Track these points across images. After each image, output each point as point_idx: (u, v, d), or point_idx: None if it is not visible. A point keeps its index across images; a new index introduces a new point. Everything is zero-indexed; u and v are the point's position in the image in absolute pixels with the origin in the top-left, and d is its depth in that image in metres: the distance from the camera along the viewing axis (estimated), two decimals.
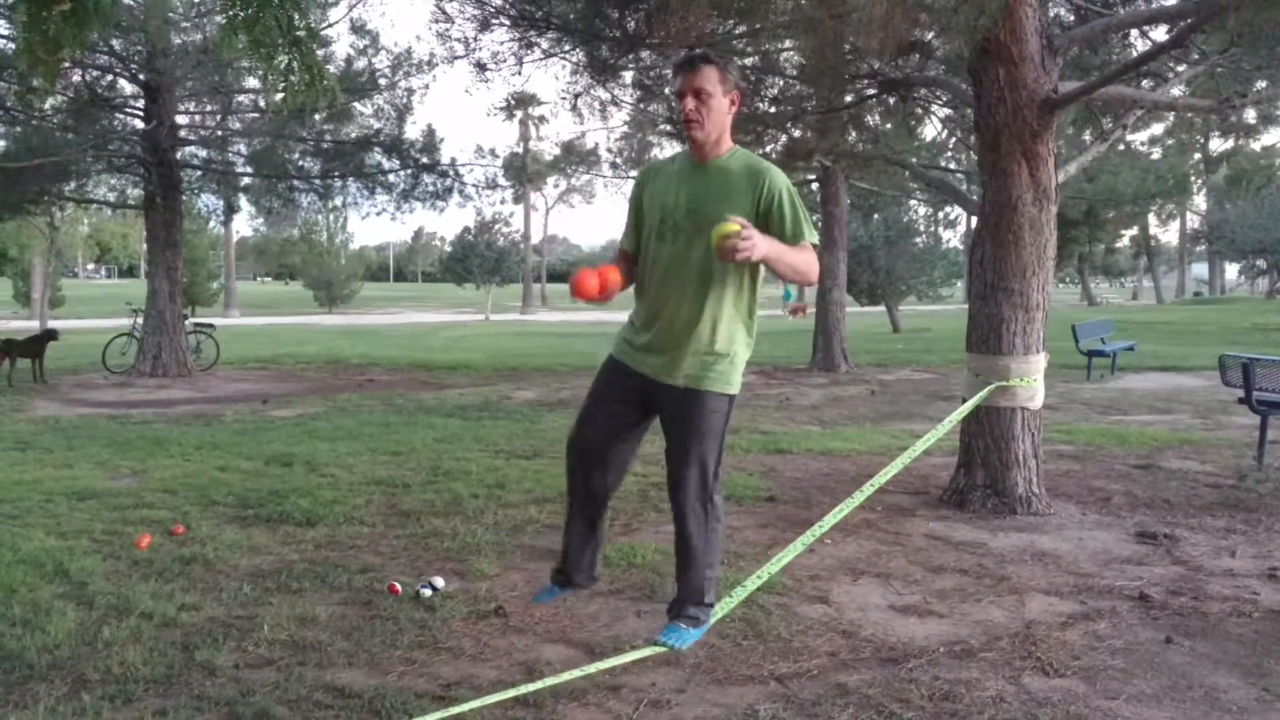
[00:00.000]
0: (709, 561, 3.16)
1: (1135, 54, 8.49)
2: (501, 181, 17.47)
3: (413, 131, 17.04)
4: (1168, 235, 64.85)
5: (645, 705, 3.38)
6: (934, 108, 11.53)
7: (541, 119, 55.51)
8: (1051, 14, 7.84)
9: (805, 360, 16.72)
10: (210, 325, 17.30)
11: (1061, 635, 4.02)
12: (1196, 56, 7.85)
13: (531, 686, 3.12)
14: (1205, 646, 3.91)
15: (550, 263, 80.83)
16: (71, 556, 4.97)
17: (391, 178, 16.63)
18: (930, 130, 14.85)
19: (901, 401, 11.99)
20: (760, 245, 2.74)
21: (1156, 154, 20.64)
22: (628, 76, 11.37)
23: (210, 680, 3.53)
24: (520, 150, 44.51)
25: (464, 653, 3.84)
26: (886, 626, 4.15)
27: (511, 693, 3.02)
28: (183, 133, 15.91)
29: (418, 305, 58.70)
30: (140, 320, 15.88)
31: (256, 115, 16.22)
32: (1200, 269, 68.21)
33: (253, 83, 15.23)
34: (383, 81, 15.60)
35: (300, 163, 16.77)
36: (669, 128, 13.82)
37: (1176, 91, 7.94)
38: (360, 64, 15.44)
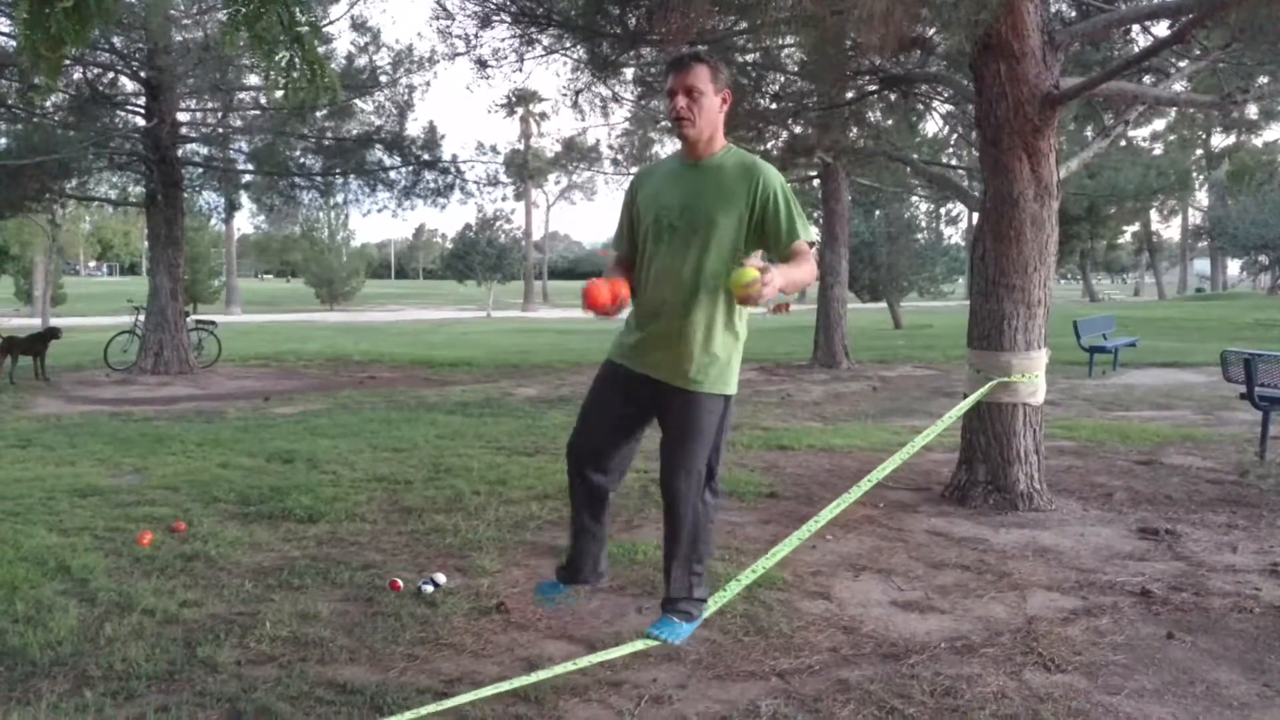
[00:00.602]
0: (700, 556, 3.17)
1: (1137, 49, 8.50)
2: (503, 178, 17.50)
3: (414, 128, 17.13)
4: (1169, 231, 64.85)
5: (647, 701, 3.38)
6: (935, 104, 11.52)
7: (543, 116, 55.48)
8: (1053, 9, 7.83)
9: (806, 356, 16.71)
10: (212, 322, 17.32)
11: (1063, 631, 4.02)
12: (1198, 52, 7.84)
13: (524, 680, 3.12)
14: (1207, 642, 3.91)
15: (551, 260, 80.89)
16: (73, 553, 4.98)
17: (393, 175, 16.64)
18: (932, 126, 14.83)
19: (903, 398, 11.98)
20: (777, 281, 2.75)
21: (1158, 150, 20.57)
22: (629, 73, 11.35)
23: (212, 676, 3.54)
24: (521, 147, 44.52)
25: (465, 649, 3.85)
26: (888, 622, 4.15)
27: (507, 685, 3.02)
28: (184, 130, 15.92)
29: (419, 302, 58.72)
30: (142, 318, 15.89)
31: (258, 112, 16.23)
32: (1202, 265, 68.12)
33: (254, 80, 15.24)
34: (384, 78, 15.60)
35: (302, 160, 16.77)
36: (669, 123, 13.80)
37: (1178, 87, 7.92)
38: (361, 61, 15.45)
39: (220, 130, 16.50)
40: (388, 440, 8.60)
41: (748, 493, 6.51)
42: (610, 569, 3.59)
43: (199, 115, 16.81)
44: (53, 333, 14.94)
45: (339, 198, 18.17)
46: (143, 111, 15.36)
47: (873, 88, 9.92)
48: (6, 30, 12.80)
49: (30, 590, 4.44)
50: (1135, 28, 8.72)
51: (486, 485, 6.71)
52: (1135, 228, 51.54)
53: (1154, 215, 49.07)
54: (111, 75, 15.30)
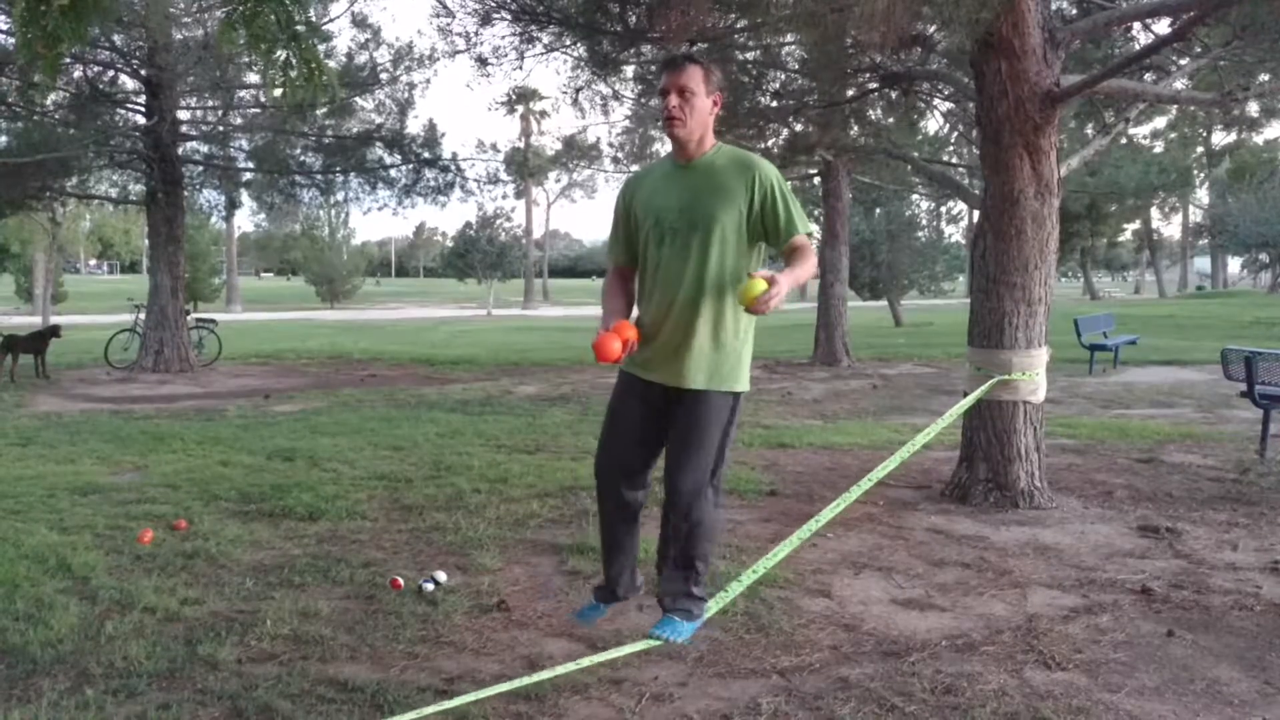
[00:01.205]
0: (701, 555, 3.16)
1: (1138, 47, 8.49)
2: (503, 176, 17.46)
3: (414, 126, 17.16)
4: (1170, 229, 64.90)
5: (647, 699, 3.38)
6: (936, 101, 11.52)
7: (543, 114, 55.44)
8: (1054, 7, 7.80)
9: (807, 355, 16.72)
10: (212, 320, 17.32)
11: (1063, 629, 4.02)
12: (1199, 50, 7.83)
13: (528, 680, 3.12)
14: (1207, 640, 3.91)
15: (552, 258, 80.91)
16: (74, 551, 4.98)
17: (393, 173, 16.63)
18: (932, 124, 14.84)
19: (903, 396, 11.98)
20: (784, 287, 2.78)
21: (1159, 147, 20.54)
22: (629, 71, 11.36)
23: (213, 674, 3.54)
24: (522, 145, 44.44)
25: (466, 647, 3.85)
26: (888, 620, 4.15)
27: (509, 685, 3.02)
28: (184, 128, 15.91)
29: (420, 301, 58.73)
30: (142, 316, 15.89)
31: (258, 110, 16.22)
32: (1203, 263, 68.10)
33: (254, 78, 15.24)
34: (384, 76, 15.60)
35: (302, 158, 16.77)
36: (660, 122, 13.79)
37: (1179, 85, 7.92)
38: (362, 59, 15.45)
39: (220, 128, 16.49)
40: (388, 438, 8.60)
41: (748, 491, 6.51)
42: (642, 578, 3.58)
43: (199, 113, 16.81)
44: (54, 331, 14.93)
45: (339, 196, 18.19)
46: (143, 109, 15.36)
47: (873, 85, 9.91)
48: (6, 28, 12.79)
49: (31, 588, 4.44)
50: (1136, 25, 8.71)
51: (487, 483, 6.71)
52: (1136, 225, 51.53)
53: (1155, 213, 49.06)
54: (112, 73, 15.30)
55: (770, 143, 11.75)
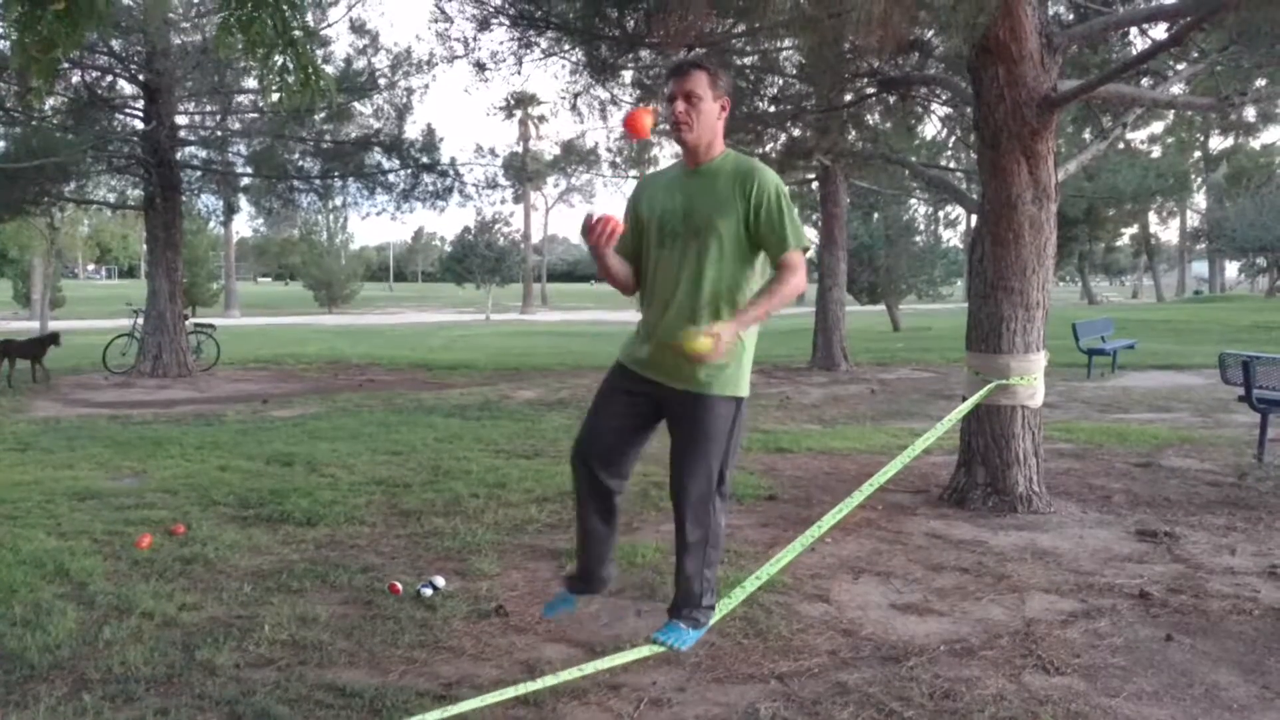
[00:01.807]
0: (710, 563, 3.16)
1: (1135, 52, 8.50)
2: (501, 181, 17.45)
3: (412, 131, 17.09)
4: (1168, 233, 65.05)
5: (646, 704, 3.38)
6: (934, 106, 11.53)
7: (541, 118, 55.53)
8: (1051, 12, 7.85)
9: (805, 359, 16.73)
10: (210, 325, 17.30)
11: (1062, 633, 4.03)
12: (1196, 55, 7.85)
13: (530, 686, 3.11)
14: (1205, 644, 3.91)
15: (550, 263, 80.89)
16: (72, 557, 4.97)
17: (391, 177, 16.62)
18: (930, 129, 14.85)
19: (902, 400, 11.99)
20: (728, 336, 2.82)
21: (1156, 152, 20.62)
22: (627, 76, 11.36)
23: (211, 680, 3.53)
24: (520, 150, 44.48)
25: (465, 652, 3.84)
26: (887, 625, 4.15)
27: (511, 692, 3.01)
28: (182, 133, 15.92)
29: (418, 305, 58.72)
30: (140, 321, 15.89)
31: (256, 115, 16.23)
32: (1200, 267, 68.19)
33: (252, 83, 15.23)
34: (382, 81, 15.60)
35: (300, 163, 16.77)
36: (668, 127, 13.83)
37: (1176, 90, 7.94)
38: (360, 64, 15.45)
39: (219, 133, 16.50)
40: (386, 443, 8.59)
41: (747, 495, 6.51)
42: (617, 571, 3.59)
43: (197, 118, 16.82)
44: (53, 338, 14.89)
45: (337, 200, 18.21)
46: (141, 115, 15.36)
47: (871, 90, 9.93)
48: (2, 32, 12.79)
49: (29, 593, 4.43)
50: (1133, 30, 8.72)
51: (485, 488, 6.71)
52: (1133, 230, 51.54)
53: (1152, 217, 49.13)
54: (110, 78, 15.30)
55: (768, 147, 11.76)
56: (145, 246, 16.89)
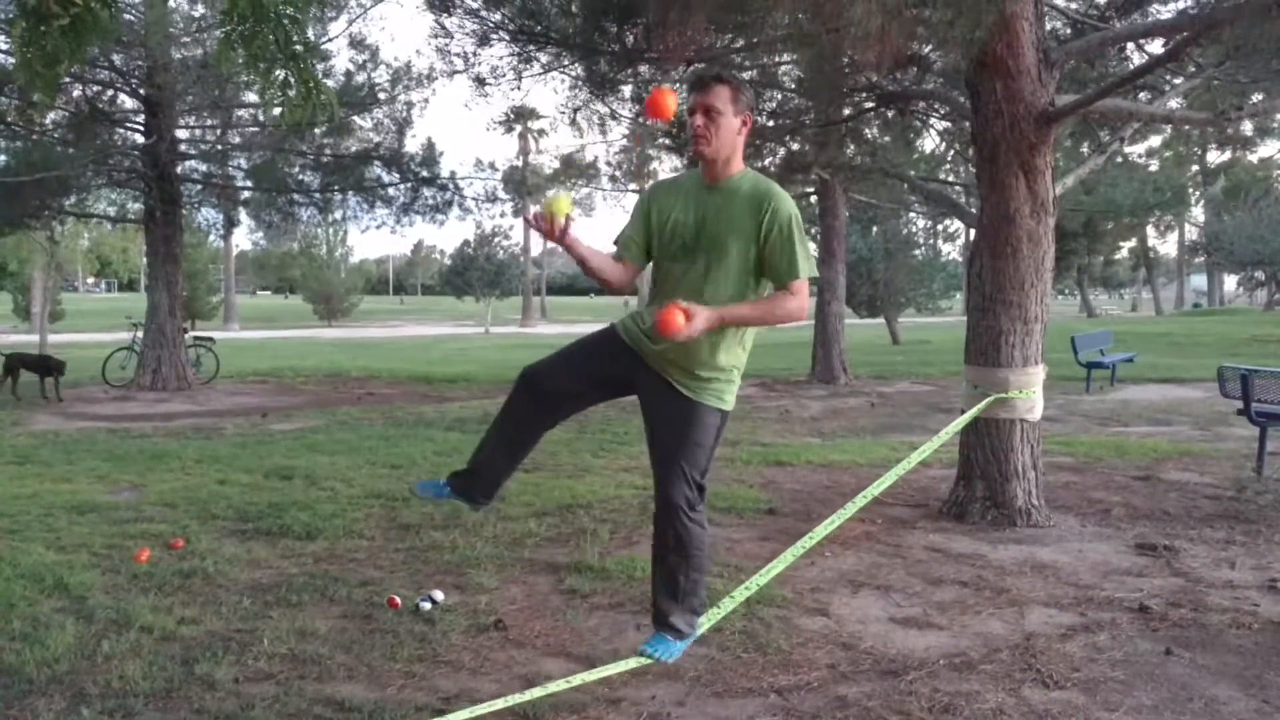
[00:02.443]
0: (696, 571, 3.17)
1: (1132, 67, 8.54)
2: (501, 194, 17.52)
3: (412, 145, 17.17)
4: (1166, 247, 64.99)
5: (645, 718, 3.37)
6: (932, 120, 11.57)
7: (541, 132, 55.62)
8: (1048, 28, 7.87)
9: (805, 372, 16.73)
10: (210, 339, 17.33)
11: (1061, 647, 4.02)
12: (1193, 70, 7.88)
13: (524, 697, 3.11)
14: (1205, 658, 3.91)
15: (550, 276, 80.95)
16: (71, 570, 4.97)
17: (391, 191, 16.68)
18: (928, 143, 14.91)
19: (901, 413, 11.99)
20: (700, 323, 2.83)
21: (1154, 166, 20.65)
22: (626, 90, 11.41)
23: (210, 694, 3.53)
24: (520, 163, 44.59)
25: (463, 666, 3.84)
26: (886, 638, 4.14)
27: (505, 703, 3.01)
28: (183, 147, 15.96)
29: (418, 318, 58.73)
30: (140, 334, 15.90)
31: (256, 129, 16.28)
32: (1199, 280, 68.28)
33: (252, 97, 15.28)
34: (382, 95, 15.66)
35: (300, 176, 16.82)
36: (668, 141, 13.87)
37: (1173, 104, 7.97)
38: (360, 78, 15.52)
39: (219, 147, 16.56)
40: (386, 457, 8.59)
41: (746, 509, 6.51)
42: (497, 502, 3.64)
43: (198, 132, 16.88)
44: (59, 367, 14.06)
45: (337, 214, 18.21)
46: (142, 129, 15.41)
47: (870, 105, 9.97)
48: (4, 48, 12.85)
49: (27, 608, 4.43)
50: (1130, 46, 8.77)
51: None
52: (1132, 243, 51.69)
53: (1150, 231, 49.26)
54: (111, 93, 15.36)
55: (767, 161, 11.80)
56: (145, 260, 16.92)
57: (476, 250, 50.15)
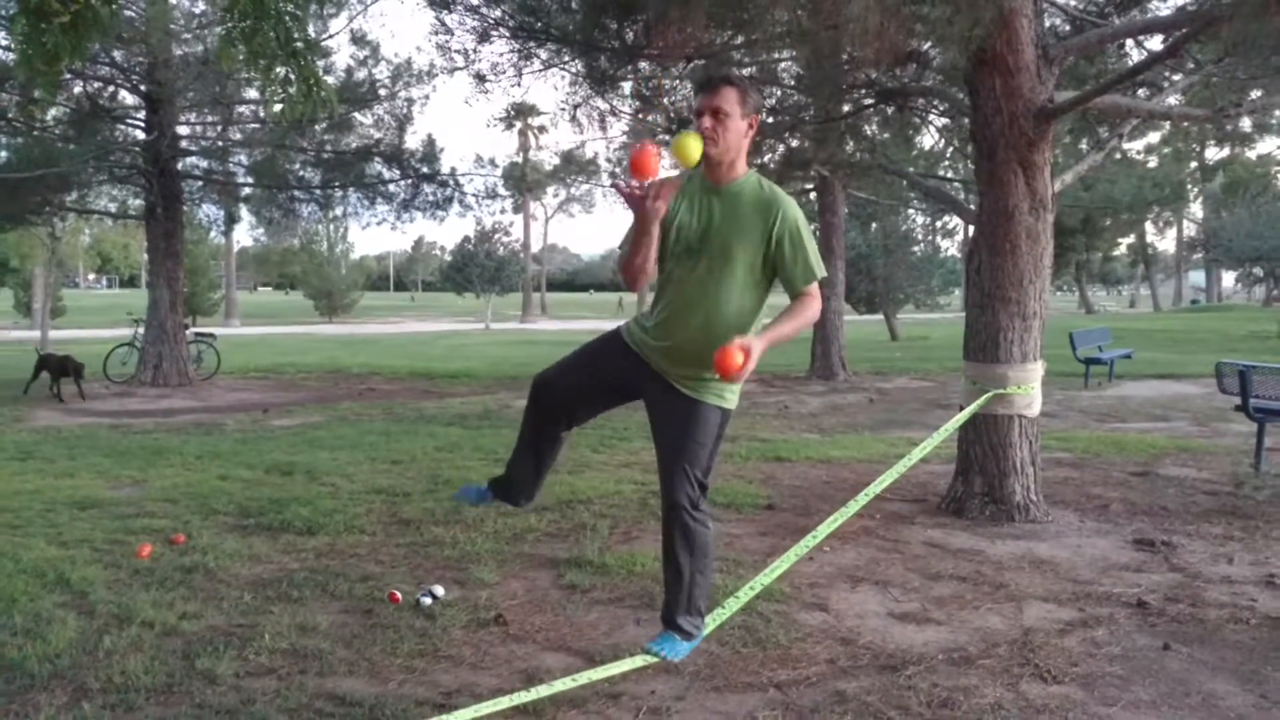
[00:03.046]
0: (700, 570, 3.18)
1: (1131, 64, 8.54)
2: (501, 191, 17.50)
3: (413, 141, 17.13)
4: (1165, 243, 65.00)
5: (645, 713, 3.39)
6: (931, 117, 11.57)
7: (541, 129, 55.66)
8: (1047, 24, 7.87)
9: (804, 368, 16.75)
10: (211, 335, 17.33)
11: (1059, 642, 4.04)
12: (1192, 66, 7.89)
13: (525, 694, 3.13)
14: (1203, 653, 3.93)
15: (550, 272, 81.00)
16: (72, 566, 4.98)
17: (392, 187, 16.67)
18: (927, 139, 14.89)
19: (900, 409, 12.00)
20: (757, 353, 2.80)
21: (1153, 162, 20.62)
22: (626, 87, 11.41)
23: (211, 689, 3.54)
24: (520, 160, 44.54)
25: (464, 661, 3.85)
26: (885, 634, 4.16)
27: (506, 701, 3.03)
28: (184, 143, 15.96)
29: (418, 314, 58.74)
30: (141, 330, 15.90)
31: (257, 126, 16.27)
32: (1197, 277, 68.30)
33: (253, 94, 15.30)
34: (383, 92, 15.66)
35: (301, 173, 16.82)
36: (667, 138, 13.88)
37: (1172, 101, 7.97)
38: (360, 74, 15.52)
39: (220, 143, 16.55)
40: (386, 452, 8.61)
41: (745, 504, 6.52)
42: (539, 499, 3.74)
43: (199, 129, 16.87)
44: (77, 369, 13.75)
45: (338, 210, 18.26)
46: (143, 125, 15.41)
47: (869, 101, 9.97)
48: (5, 43, 12.86)
49: (29, 603, 4.44)
50: (1129, 42, 8.77)
51: None
52: (1130, 240, 51.77)
53: (1149, 227, 49.33)
54: (111, 89, 15.37)
55: (766, 158, 11.80)
56: (146, 256, 16.91)
57: (477, 246, 50.08)
